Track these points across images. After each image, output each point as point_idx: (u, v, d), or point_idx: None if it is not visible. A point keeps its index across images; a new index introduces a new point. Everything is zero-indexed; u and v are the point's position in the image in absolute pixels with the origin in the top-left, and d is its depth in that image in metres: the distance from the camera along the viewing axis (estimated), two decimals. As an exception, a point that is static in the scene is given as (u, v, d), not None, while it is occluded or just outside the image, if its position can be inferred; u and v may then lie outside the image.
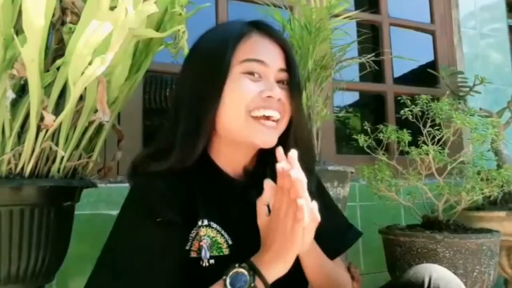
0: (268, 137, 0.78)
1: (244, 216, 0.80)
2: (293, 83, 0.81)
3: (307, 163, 0.85)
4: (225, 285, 0.67)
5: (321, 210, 0.92)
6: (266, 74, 0.78)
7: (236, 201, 0.82)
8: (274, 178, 0.83)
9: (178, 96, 0.83)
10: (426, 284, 0.75)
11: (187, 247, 0.75)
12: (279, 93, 0.77)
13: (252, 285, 0.66)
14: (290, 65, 0.81)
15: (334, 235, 0.91)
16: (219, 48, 0.78)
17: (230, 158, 0.83)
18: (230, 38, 0.78)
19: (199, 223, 0.76)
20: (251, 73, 0.77)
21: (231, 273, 0.68)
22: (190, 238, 0.75)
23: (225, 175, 0.83)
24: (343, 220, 0.98)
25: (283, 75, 0.81)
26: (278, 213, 0.68)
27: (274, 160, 0.83)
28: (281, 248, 0.68)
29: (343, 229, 0.95)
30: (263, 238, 0.73)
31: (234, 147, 0.81)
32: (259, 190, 0.82)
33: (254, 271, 0.67)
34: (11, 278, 0.91)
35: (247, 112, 0.76)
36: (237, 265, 0.68)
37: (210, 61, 0.78)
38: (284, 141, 0.82)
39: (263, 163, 0.86)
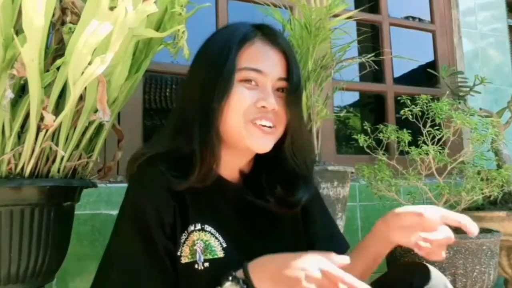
0: (262, 142, 0.78)
1: (238, 218, 0.81)
2: (290, 92, 0.80)
3: (305, 172, 0.86)
4: None
5: (320, 215, 0.93)
6: (263, 83, 0.79)
7: (231, 203, 0.82)
8: (269, 183, 0.85)
9: (185, 97, 0.83)
10: (409, 283, 0.74)
11: (178, 253, 0.74)
12: (273, 104, 0.77)
13: None
14: (290, 73, 0.81)
15: (331, 239, 0.92)
16: (222, 55, 0.77)
17: (227, 161, 0.82)
18: (232, 44, 0.78)
19: (191, 227, 0.75)
20: (248, 81, 0.78)
21: (226, 284, 0.67)
22: (180, 243, 0.75)
23: (220, 178, 0.83)
24: (337, 229, 0.99)
25: (283, 84, 0.81)
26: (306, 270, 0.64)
27: (270, 165, 0.85)
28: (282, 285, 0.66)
29: (338, 236, 0.97)
30: (281, 256, 0.69)
31: (233, 150, 0.81)
32: (253, 194, 0.84)
33: (248, 286, 0.66)
34: (11, 278, 0.91)
35: (247, 121, 0.77)
36: (230, 277, 0.67)
37: (213, 68, 0.78)
38: (281, 149, 0.83)
39: (260, 168, 0.87)
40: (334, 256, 0.65)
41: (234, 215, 0.81)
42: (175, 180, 0.74)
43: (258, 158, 0.86)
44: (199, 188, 0.77)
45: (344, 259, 0.64)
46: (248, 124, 0.77)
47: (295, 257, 0.66)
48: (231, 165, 0.84)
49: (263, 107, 0.77)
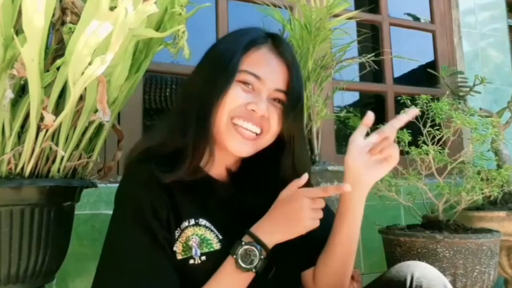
0: (241, 146, 0.80)
1: (228, 215, 0.81)
2: (287, 106, 0.81)
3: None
4: (237, 263, 0.71)
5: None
6: (259, 89, 0.80)
7: (220, 201, 0.83)
8: (258, 185, 0.85)
9: (186, 92, 0.84)
10: (408, 283, 0.74)
11: (174, 248, 0.75)
12: (263, 109, 0.78)
13: (262, 256, 0.72)
14: (289, 89, 0.82)
15: (326, 226, 0.90)
16: (227, 54, 0.79)
17: (215, 159, 0.82)
18: (240, 45, 0.80)
19: (185, 223, 0.76)
20: (245, 83, 0.79)
21: (240, 251, 0.72)
22: (174, 240, 0.75)
23: (208, 176, 0.84)
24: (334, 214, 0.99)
25: (280, 95, 0.82)
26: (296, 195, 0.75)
27: (258, 166, 0.86)
28: (284, 225, 0.74)
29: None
30: (271, 212, 0.77)
31: (221, 149, 0.82)
32: (240, 193, 0.85)
33: (260, 244, 0.73)
34: (11, 278, 0.91)
35: (229, 118, 0.78)
36: (243, 242, 0.73)
37: (217, 66, 0.80)
38: (277, 160, 0.83)
39: (247, 168, 0.88)
40: (298, 181, 0.77)
41: (224, 212, 0.82)
42: (164, 174, 0.75)
43: (246, 159, 0.86)
44: (189, 186, 0.78)
45: (304, 177, 0.76)
46: (229, 124, 0.78)
47: (283, 203, 0.75)
48: (218, 163, 0.84)
49: (253, 110, 0.78)
